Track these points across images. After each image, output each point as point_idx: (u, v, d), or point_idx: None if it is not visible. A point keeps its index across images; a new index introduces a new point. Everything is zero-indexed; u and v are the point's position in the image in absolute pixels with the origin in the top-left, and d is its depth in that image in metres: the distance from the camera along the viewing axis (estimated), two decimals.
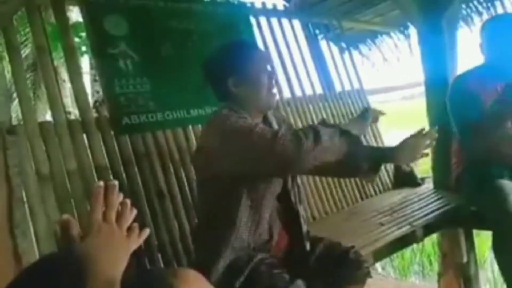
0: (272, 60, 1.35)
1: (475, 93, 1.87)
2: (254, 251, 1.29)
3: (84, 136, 1.67)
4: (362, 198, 2.56)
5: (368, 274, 1.42)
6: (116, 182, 0.79)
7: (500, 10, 3.01)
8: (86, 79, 4.37)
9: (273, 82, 1.34)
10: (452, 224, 2.17)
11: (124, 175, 1.70)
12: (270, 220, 1.34)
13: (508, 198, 1.69)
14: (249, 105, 1.31)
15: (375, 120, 1.49)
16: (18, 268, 1.35)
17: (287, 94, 2.50)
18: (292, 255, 1.41)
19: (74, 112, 3.42)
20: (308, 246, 1.41)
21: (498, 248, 1.76)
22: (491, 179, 1.79)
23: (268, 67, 1.33)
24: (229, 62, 1.29)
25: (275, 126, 1.42)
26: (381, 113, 1.54)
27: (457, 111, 1.96)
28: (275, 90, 1.35)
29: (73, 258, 0.64)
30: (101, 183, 0.76)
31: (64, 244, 0.72)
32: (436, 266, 3.00)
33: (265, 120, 1.40)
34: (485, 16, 3.03)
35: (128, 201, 0.80)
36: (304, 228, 1.42)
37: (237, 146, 1.18)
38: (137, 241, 0.82)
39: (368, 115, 1.47)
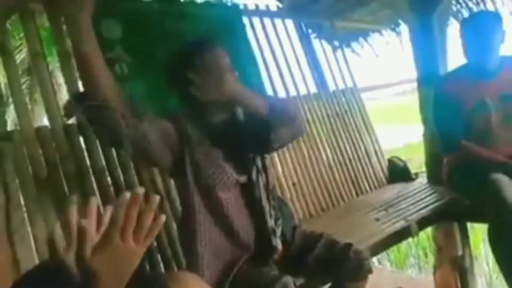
0: (226, 55, 1.35)
1: (456, 100, 1.92)
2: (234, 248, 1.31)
3: (81, 139, 1.68)
4: (357, 194, 2.60)
5: (369, 271, 1.44)
6: (142, 191, 0.70)
7: (489, 6, 3.05)
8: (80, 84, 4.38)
9: (234, 75, 1.31)
10: (446, 218, 2.20)
11: (122, 178, 1.71)
12: (235, 219, 1.31)
13: (504, 192, 1.72)
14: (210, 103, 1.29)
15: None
16: (15, 274, 1.35)
17: (282, 94, 2.52)
18: (259, 253, 1.36)
19: None
20: (276, 242, 1.37)
21: (494, 240, 1.78)
22: (484, 174, 1.82)
23: (228, 65, 1.33)
24: (190, 60, 1.29)
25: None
26: None
27: (439, 122, 2.04)
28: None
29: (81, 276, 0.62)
30: (127, 195, 0.68)
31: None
32: (431, 259, 3.04)
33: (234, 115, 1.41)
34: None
35: (151, 211, 0.71)
36: (270, 223, 1.36)
37: None
38: (146, 244, 0.78)
39: None
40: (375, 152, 2.85)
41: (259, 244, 1.36)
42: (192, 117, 1.33)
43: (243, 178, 1.34)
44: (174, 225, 1.78)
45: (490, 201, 1.75)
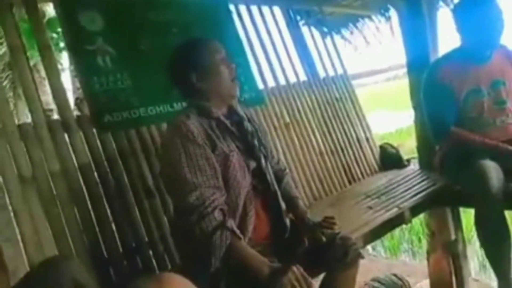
0: (223, 50, 1.43)
1: (448, 86, 1.90)
2: None
3: (66, 135, 1.64)
4: (350, 182, 2.59)
5: (358, 256, 1.43)
6: None
7: None
8: (67, 76, 4.27)
9: (233, 71, 1.42)
10: (439, 203, 2.21)
11: (109, 174, 1.68)
12: (245, 206, 1.35)
13: (488, 177, 1.73)
14: (213, 97, 1.39)
15: None
16: (3, 277, 1.33)
17: (271, 83, 2.49)
18: (275, 238, 1.43)
19: (56, 110, 3.34)
20: (288, 222, 1.45)
21: (479, 225, 1.82)
22: (473, 159, 1.83)
23: (223, 56, 1.41)
24: (189, 60, 1.38)
25: (246, 122, 1.46)
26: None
27: (429, 109, 2.03)
28: (235, 80, 1.42)
29: None
30: None
31: None
32: (425, 244, 3.06)
33: (230, 110, 1.46)
34: None
35: None
36: (283, 205, 1.45)
37: (167, 165, 1.36)
38: None
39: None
40: (367, 139, 2.84)
41: (273, 224, 1.42)
42: (198, 113, 1.37)
43: (253, 164, 1.40)
44: (165, 219, 1.76)
45: (476, 186, 1.76)
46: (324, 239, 1.41)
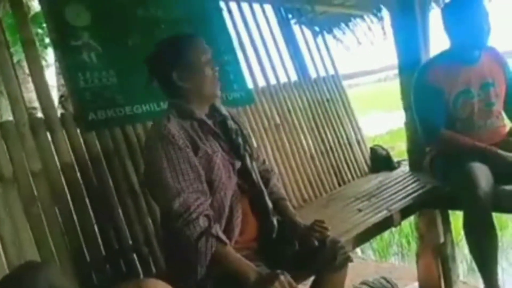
0: (210, 50, 1.39)
1: (438, 88, 1.90)
2: None
3: (48, 134, 1.59)
4: (339, 184, 2.58)
5: (347, 259, 1.42)
6: None
7: None
8: (52, 72, 4.18)
9: (216, 72, 1.39)
10: (428, 206, 2.20)
11: (93, 174, 1.63)
12: (231, 206, 1.33)
13: (478, 181, 1.73)
14: (194, 97, 1.36)
15: None
16: None
17: (261, 82, 2.45)
18: (263, 238, 1.41)
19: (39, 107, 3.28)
20: (275, 222, 1.42)
21: (467, 228, 1.82)
22: (462, 162, 1.83)
23: (208, 57, 1.37)
24: (171, 57, 1.33)
25: (229, 121, 1.44)
26: None
27: (420, 111, 2.03)
28: (217, 79, 1.39)
29: None
30: None
31: None
32: (414, 246, 3.06)
33: (213, 109, 1.43)
34: None
35: None
36: (270, 205, 1.42)
37: (149, 170, 1.31)
38: None
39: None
40: (357, 141, 2.83)
41: (261, 224, 1.40)
42: (179, 115, 1.34)
43: (238, 163, 1.38)
44: (149, 221, 1.72)
45: (465, 189, 1.76)
46: (316, 243, 1.38)
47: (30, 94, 3.07)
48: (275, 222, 1.42)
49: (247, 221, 1.37)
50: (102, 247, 1.59)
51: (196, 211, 1.21)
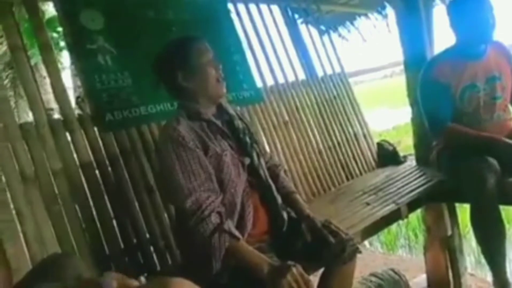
0: (211, 51, 1.43)
1: (444, 84, 1.93)
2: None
3: (68, 134, 1.65)
4: (347, 179, 2.62)
5: (356, 251, 1.46)
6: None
7: None
8: (67, 74, 4.26)
9: (219, 71, 1.42)
10: (435, 199, 2.23)
11: (111, 172, 1.69)
12: (243, 203, 1.37)
13: (484, 174, 1.76)
14: (200, 97, 1.40)
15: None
16: (6, 274, 1.34)
17: (270, 81, 2.50)
18: (274, 232, 1.45)
19: (57, 109, 3.36)
20: (285, 215, 1.46)
21: (475, 222, 1.85)
22: (468, 155, 1.85)
23: (210, 57, 1.40)
24: (176, 59, 1.38)
25: (236, 121, 1.47)
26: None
27: (426, 106, 2.05)
28: (222, 79, 1.42)
29: None
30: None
31: None
32: (421, 239, 3.09)
33: (220, 109, 1.47)
34: None
35: None
36: (279, 199, 1.47)
37: (162, 171, 1.35)
38: None
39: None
40: (364, 136, 2.87)
41: (271, 217, 1.44)
42: (188, 116, 1.39)
43: (247, 160, 1.42)
44: (165, 216, 1.78)
45: (472, 182, 1.79)
46: (332, 240, 1.41)
47: (47, 96, 3.13)
48: (285, 216, 1.46)
49: (258, 215, 1.41)
50: (120, 241, 1.65)
51: (207, 208, 1.26)
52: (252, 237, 1.37)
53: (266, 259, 1.26)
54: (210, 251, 1.26)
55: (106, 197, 1.66)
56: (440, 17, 2.55)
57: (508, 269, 1.93)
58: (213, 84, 1.40)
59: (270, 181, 1.48)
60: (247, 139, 1.46)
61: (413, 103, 2.50)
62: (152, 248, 1.72)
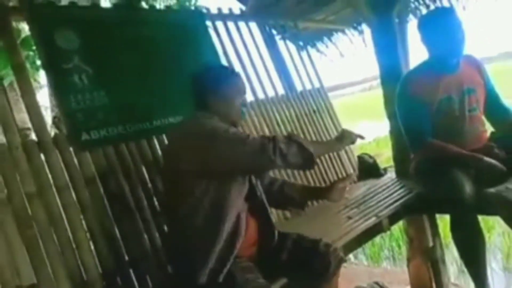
0: (244, 84, 1.60)
1: (422, 99, 1.97)
2: (223, 251, 1.34)
3: (42, 156, 1.61)
4: None
5: (341, 261, 1.51)
6: None
7: (445, 2, 3.15)
8: (45, 93, 4.18)
9: (244, 103, 1.55)
10: (416, 211, 2.25)
11: (87, 194, 1.65)
12: (238, 218, 1.40)
13: (462, 185, 1.80)
14: (220, 116, 1.48)
15: (351, 142, 1.63)
16: None
17: (249, 97, 2.51)
18: (263, 249, 1.50)
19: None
20: (276, 233, 1.54)
21: (455, 232, 1.89)
22: (446, 167, 1.89)
23: (242, 92, 1.55)
24: (211, 82, 1.50)
25: None
26: (360, 136, 1.62)
27: (405, 123, 2.10)
28: (244, 110, 1.55)
29: None
30: None
31: None
32: (405, 250, 3.11)
33: None
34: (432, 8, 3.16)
35: None
36: (272, 217, 1.58)
37: (215, 142, 1.32)
38: None
39: (343, 138, 1.58)
40: (345, 150, 2.89)
41: (263, 234, 1.52)
42: None
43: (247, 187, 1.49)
44: (146, 237, 1.74)
45: (450, 193, 1.82)
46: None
47: (23, 115, 3.06)
48: (275, 230, 1.54)
49: (248, 224, 1.45)
50: (98, 266, 1.60)
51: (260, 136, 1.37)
52: (240, 250, 1.39)
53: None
54: (295, 150, 1.34)
55: (82, 220, 1.62)
56: (414, 32, 2.63)
57: (489, 278, 1.95)
58: (234, 112, 1.51)
59: (262, 194, 1.56)
60: None
61: (391, 117, 2.54)
62: (131, 271, 1.67)
